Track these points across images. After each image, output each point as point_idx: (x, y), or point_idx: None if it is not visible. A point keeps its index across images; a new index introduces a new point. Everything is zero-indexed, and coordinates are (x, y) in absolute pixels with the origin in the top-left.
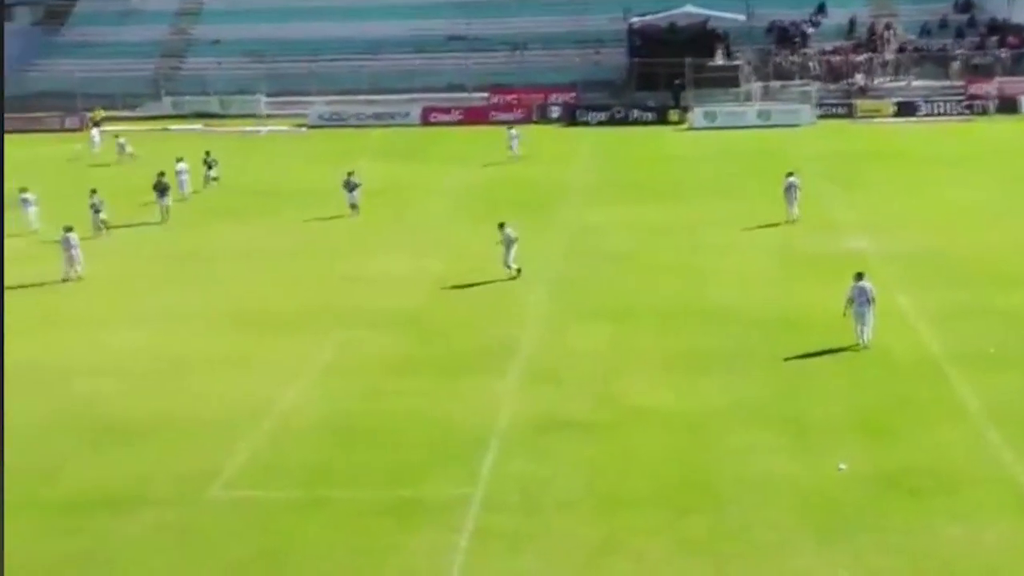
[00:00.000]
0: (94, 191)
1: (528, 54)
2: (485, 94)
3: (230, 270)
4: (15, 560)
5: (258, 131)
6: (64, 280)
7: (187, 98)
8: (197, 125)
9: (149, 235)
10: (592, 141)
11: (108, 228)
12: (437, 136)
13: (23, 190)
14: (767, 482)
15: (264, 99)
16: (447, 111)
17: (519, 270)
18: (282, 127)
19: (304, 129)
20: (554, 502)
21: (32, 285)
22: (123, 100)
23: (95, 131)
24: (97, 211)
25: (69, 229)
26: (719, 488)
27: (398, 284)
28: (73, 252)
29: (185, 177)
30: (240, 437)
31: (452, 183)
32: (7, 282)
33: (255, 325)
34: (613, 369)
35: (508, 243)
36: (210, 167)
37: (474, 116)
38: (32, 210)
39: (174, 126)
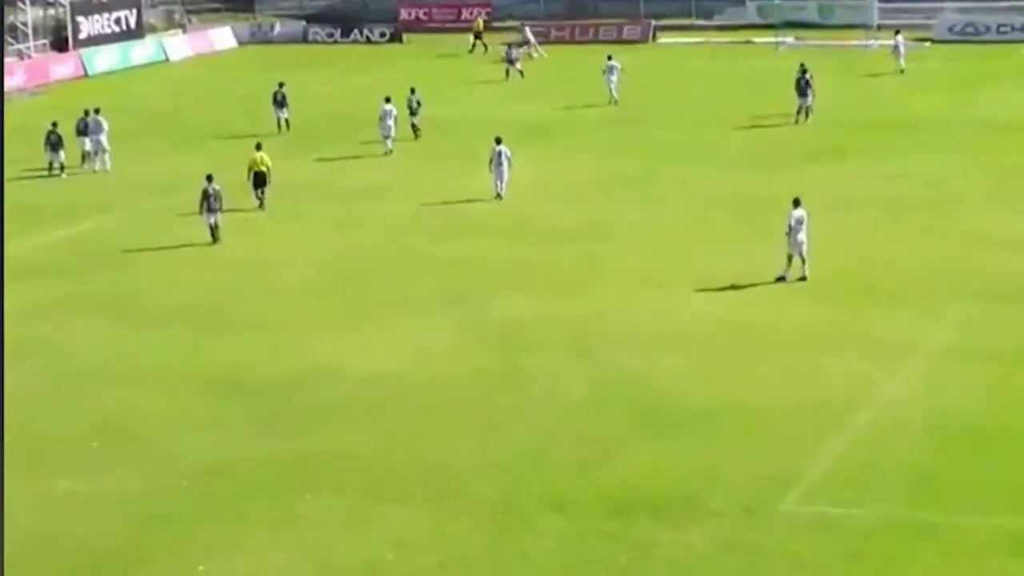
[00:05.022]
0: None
1: None
2: None
3: (819, 222)
4: (545, 562)
5: (867, 45)
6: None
7: (777, 3)
8: (788, 38)
9: (706, 174)
10: None
11: None
12: None
13: (387, 100)
14: None
15: (877, 5)
16: None
17: None
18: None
19: (927, 44)
20: None
21: (576, 239)
22: (697, 7)
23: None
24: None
25: (499, 140)
26: None
27: None
28: (503, 169)
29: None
30: (824, 435)
31: None
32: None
33: (850, 292)
34: None
35: None
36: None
37: None
38: (390, 124)
39: (758, 38)
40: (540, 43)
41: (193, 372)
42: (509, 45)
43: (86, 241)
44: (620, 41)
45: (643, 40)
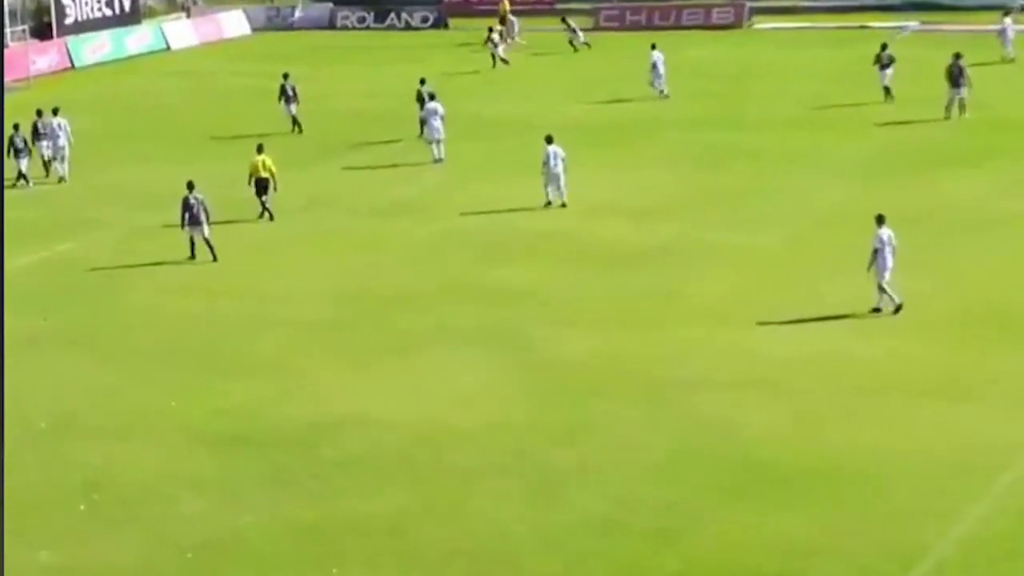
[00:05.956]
0: None
1: None
2: None
3: (952, 243)
4: None
5: (1006, 30)
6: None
7: None
8: (911, 22)
9: (811, 186)
10: None
11: None
12: None
13: (432, 97)
14: None
15: None
16: None
17: None
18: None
19: None
20: None
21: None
22: None
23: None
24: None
25: (550, 140)
26: None
27: None
28: (558, 175)
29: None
30: (957, 500)
31: None
32: None
33: (985, 328)
34: None
35: None
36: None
37: None
38: (437, 125)
39: (875, 23)
40: (615, 29)
41: (191, 422)
42: (490, 29)
43: (65, 264)
44: (708, 26)
45: (736, 25)
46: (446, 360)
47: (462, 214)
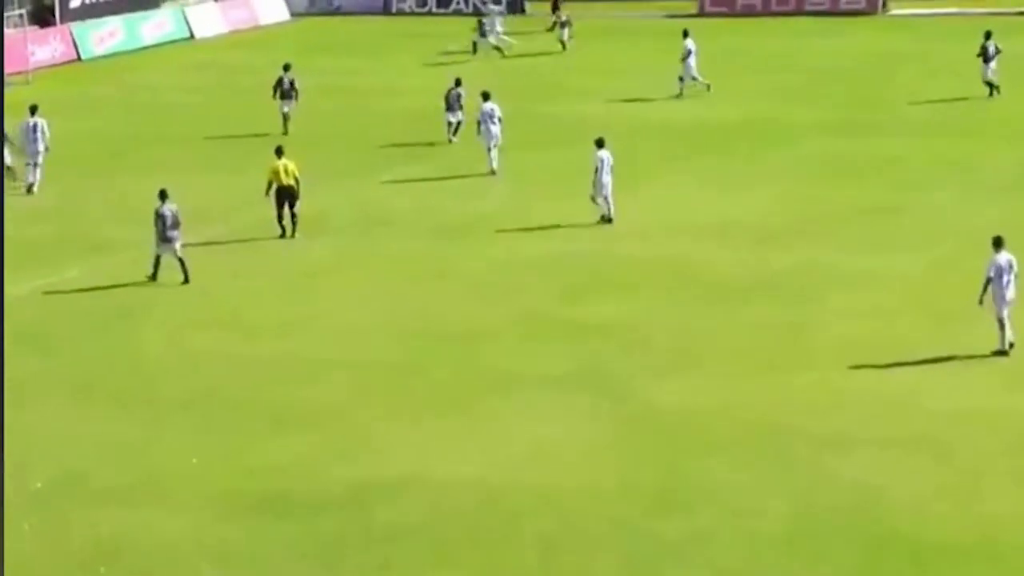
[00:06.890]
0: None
1: None
2: None
3: None
4: None
5: None
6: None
7: None
8: None
9: (964, 202)
10: None
11: None
12: None
13: (486, 97)
14: None
15: None
16: None
17: None
18: None
19: None
20: None
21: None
22: None
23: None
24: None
25: (601, 144)
26: None
27: None
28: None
29: None
30: None
31: None
32: None
33: None
34: None
35: None
36: None
37: None
38: (494, 130)
39: (1009, 8)
40: (723, 15)
41: (220, 482)
42: (480, 21)
43: (70, 293)
44: (835, 12)
45: (869, 11)
46: (525, 409)
47: (534, 233)
